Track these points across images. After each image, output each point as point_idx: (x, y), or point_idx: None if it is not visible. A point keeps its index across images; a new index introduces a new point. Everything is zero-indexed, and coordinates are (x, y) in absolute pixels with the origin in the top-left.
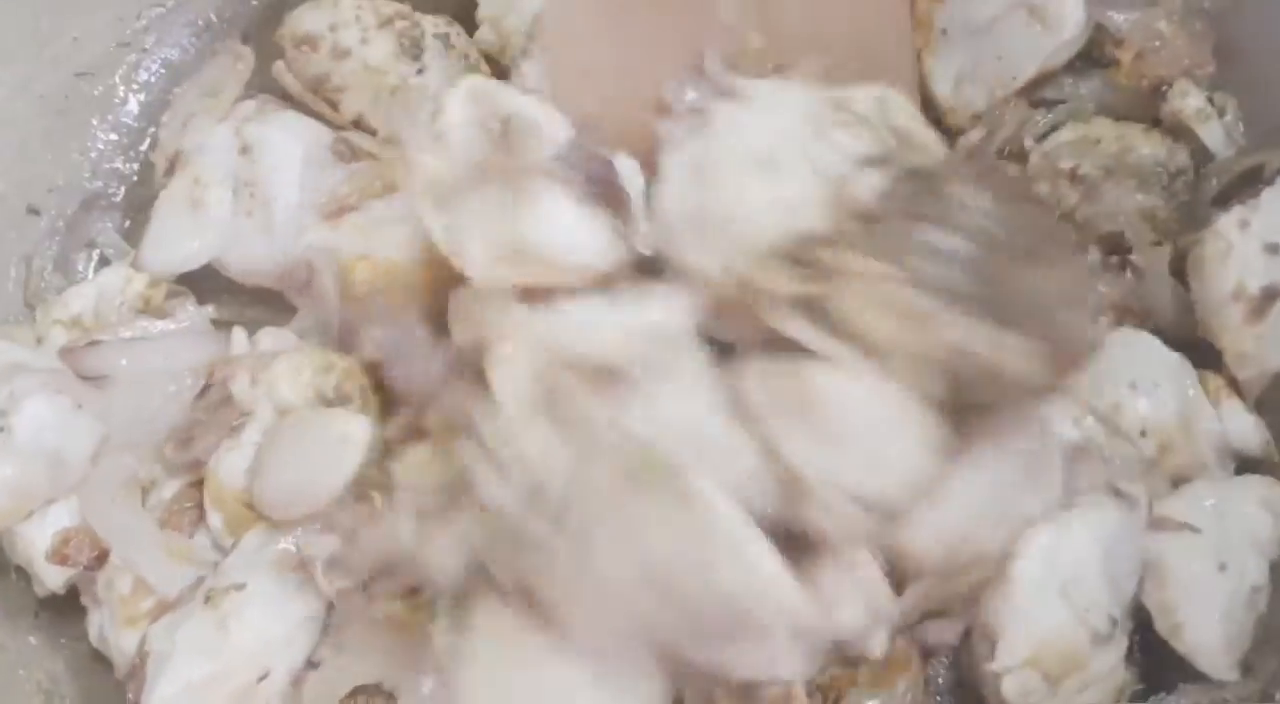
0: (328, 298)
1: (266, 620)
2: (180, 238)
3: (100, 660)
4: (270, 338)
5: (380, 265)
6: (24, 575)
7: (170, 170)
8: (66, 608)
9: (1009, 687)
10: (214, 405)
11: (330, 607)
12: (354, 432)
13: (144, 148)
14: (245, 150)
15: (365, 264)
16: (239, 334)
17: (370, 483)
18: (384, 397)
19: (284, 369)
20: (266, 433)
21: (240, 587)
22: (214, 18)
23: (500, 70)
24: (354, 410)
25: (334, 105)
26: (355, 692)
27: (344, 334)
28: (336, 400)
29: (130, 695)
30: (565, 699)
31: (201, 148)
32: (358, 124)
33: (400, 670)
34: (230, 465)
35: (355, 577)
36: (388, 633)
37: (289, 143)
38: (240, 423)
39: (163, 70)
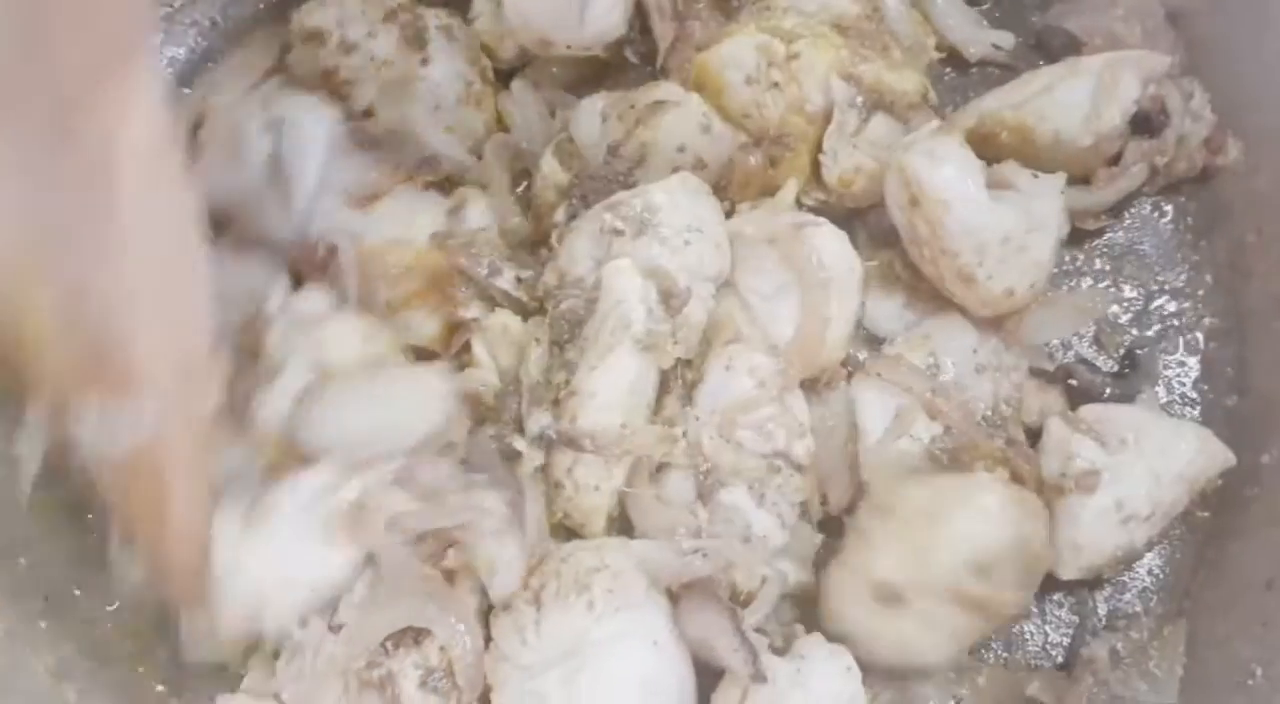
0: (348, 277)
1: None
2: (219, 173)
3: (108, 645)
4: (305, 300)
5: (415, 250)
6: (32, 561)
7: (199, 126)
8: (75, 597)
9: None
10: (248, 354)
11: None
12: (445, 388)
13: None
14: (271, 125)
15: (399, 249)
16: (279, 287)
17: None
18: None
19: (333, 333)
20: (326, 377)
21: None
22: (219, 18)
23: (499, 62)
24: None
25: (344, 98)
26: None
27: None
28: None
29: None
30: None
31: (230, 106)
32: (368, 115)
33: (434, 613)
34: (268, 412)
35: (412, 534)
36: (422, 583)
37: (313, 123)
38: (272, 372)
39: (170, 70)
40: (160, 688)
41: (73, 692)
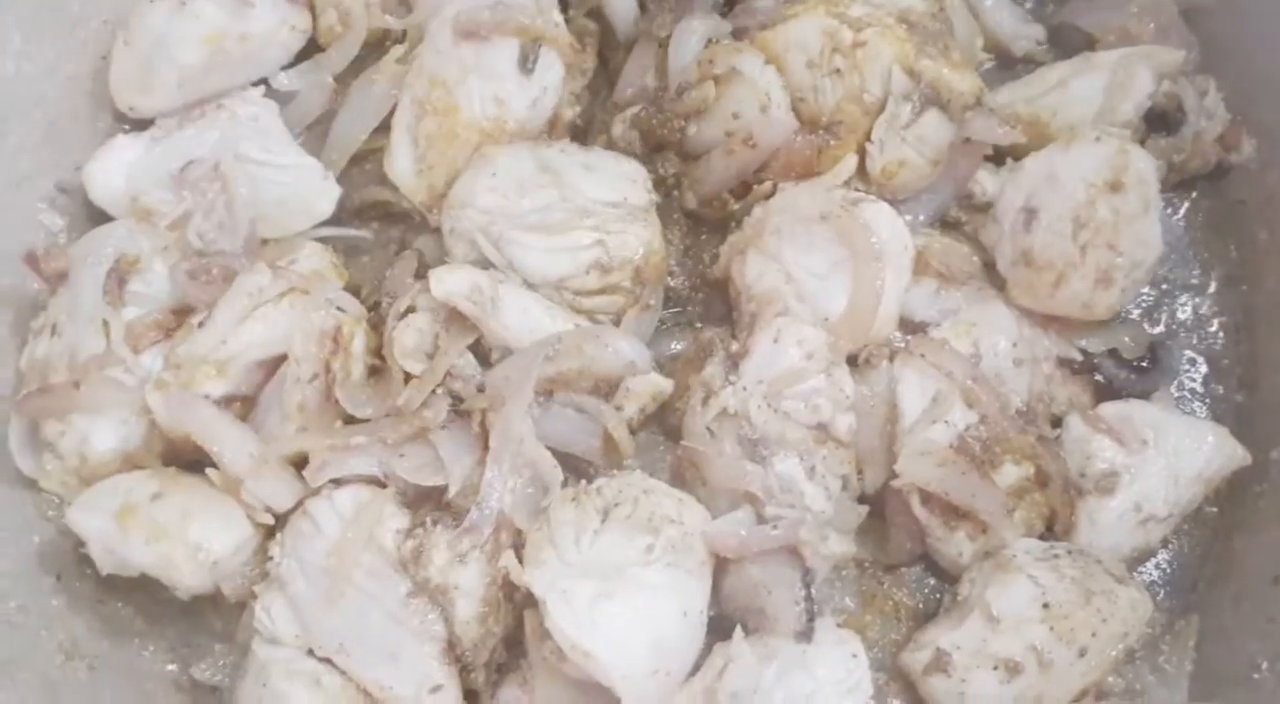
0: None
1: None
2: None
3: (119, 623)
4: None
5: None
6: (44, 539)
7: None
8: (87, 575)
9: None
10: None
11: None
12: None
13: None
14: None
15: None
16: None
17: None
18: None
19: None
20: None
21: None
22: None
23: None
24: None
25: None
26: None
27: None
28: None
29: None
30: None
31: None
32: None
33: None
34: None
35: None
36: None
37: None
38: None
39: None
40: (171, 666)
41: (84, 669)
